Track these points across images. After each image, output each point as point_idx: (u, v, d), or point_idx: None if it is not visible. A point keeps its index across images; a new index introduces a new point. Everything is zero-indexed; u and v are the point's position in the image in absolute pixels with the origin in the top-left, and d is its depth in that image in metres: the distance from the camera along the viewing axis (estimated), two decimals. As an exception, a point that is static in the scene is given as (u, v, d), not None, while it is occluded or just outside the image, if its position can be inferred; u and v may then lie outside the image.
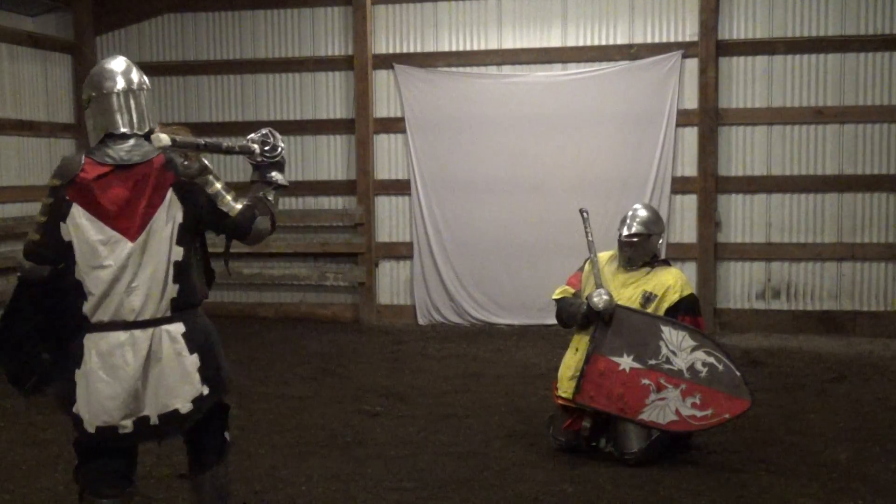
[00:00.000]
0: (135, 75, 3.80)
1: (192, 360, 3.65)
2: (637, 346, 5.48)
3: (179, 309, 3.67)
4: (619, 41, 9.65)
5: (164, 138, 3.55)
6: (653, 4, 9.57)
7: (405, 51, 10.10)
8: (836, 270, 9.40)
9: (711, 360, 5.38)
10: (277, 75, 10.42)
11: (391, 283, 10.35)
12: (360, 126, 10.09)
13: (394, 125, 10.14)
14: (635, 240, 5.73)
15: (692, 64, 9.43)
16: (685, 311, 5.59)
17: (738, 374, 5.37)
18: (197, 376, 3.65)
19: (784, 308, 9.50)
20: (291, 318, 10.36)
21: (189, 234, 3.71)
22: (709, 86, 9.34)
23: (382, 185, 10.23)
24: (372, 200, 10.19)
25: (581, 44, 9.73)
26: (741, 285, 9.61)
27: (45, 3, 10.14)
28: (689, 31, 9.49)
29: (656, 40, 9.57)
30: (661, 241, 6.04)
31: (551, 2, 9.76)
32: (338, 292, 10.45)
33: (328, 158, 10.40)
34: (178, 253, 3.65)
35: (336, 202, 10.41)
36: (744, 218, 9.55)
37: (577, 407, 5.59)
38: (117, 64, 3.81)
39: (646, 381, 5.43)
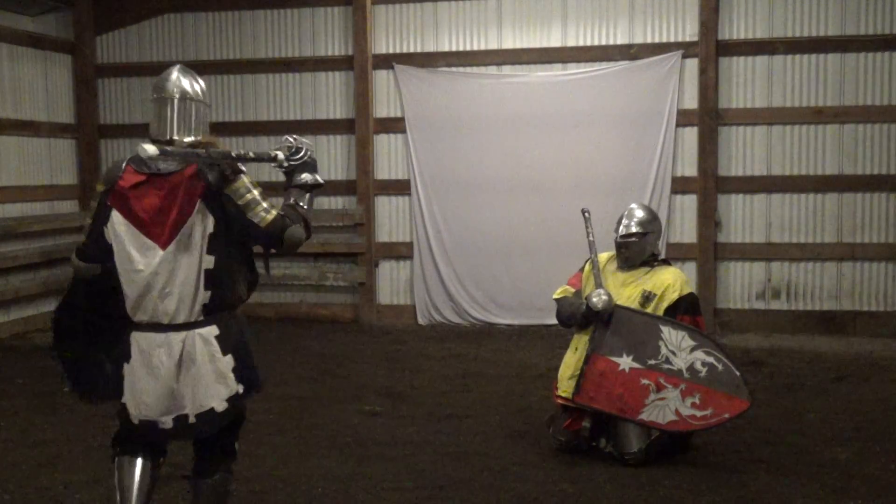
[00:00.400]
0: (186, 85, 3.87)
1: (227, 361, 3.78)
2: (636, 346, 5.48)
3: (212, 312, 3.77)
4: (619, 41, 9.65)
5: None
6: (653, 4, 9.57)
7: (405, 51, 10.10)
8: (836, 270, 9.40)
9: (711, 359, 5.38)
10: (277, 75, 10.42)
11: (391, 283, 10.35)
12: (360, 126, 10.09)
13: (394, 125, 10.14)
14: (631, 239, 5.74)
15: (692, 64, 9.43)
16: (685, 311, 5.59)
17: (737, 373, 5.37)
18: (232, 376, 3.78)
19: (784, 308, 9.50)
20: (291, 318, 10.35)
21: (222, 243, 3.75)
22: (709, 86, 9.34)
23: (382, 185, 10.23)
24: (372, 200, 10.19)
25: (581, 44, 9.73)
26: (741, 285, 9.61)
27: (45, 3, 10.14)
28: (689, 31, 9.49)
29: (656, 40, 9.57)
30: (659, 241, 6.03)
31: (551, 2, 9.76)
32: (338, 292, 10.45)
33: (328, 158, 10.39)
34: (209, 262, 3.73)
35: (336, 202, 10.41)
36: (744, 218, 9.55)
37: (577, 407, 5.59)
38: (174, 72, 3.91)
39: (645, 381, 5.43)
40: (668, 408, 5.39)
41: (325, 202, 10.41)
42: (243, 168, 3.80)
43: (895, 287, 9.31)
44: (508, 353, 8.71)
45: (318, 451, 5.80)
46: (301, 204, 3.86)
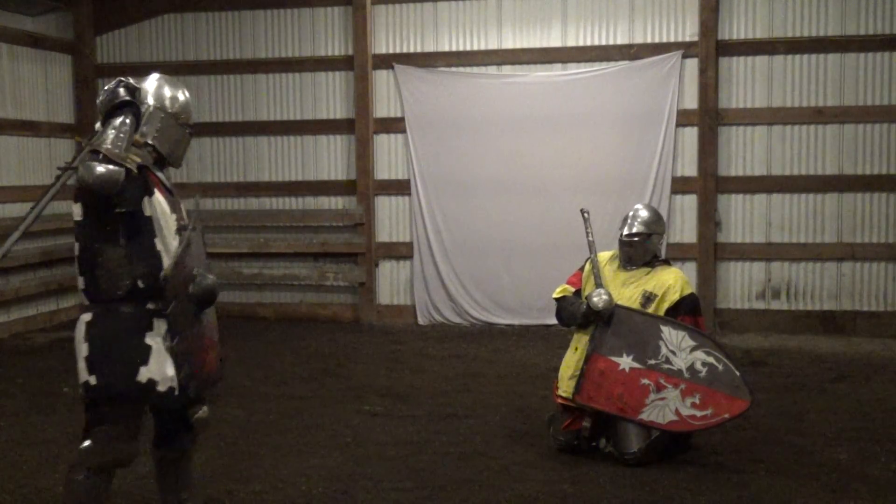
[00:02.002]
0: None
1: (83, 349, 3.82)
2: (637, 346, 5.48)
3: (92, 300, 3.85)
4: (619, 41, 9.65)
5: None
6: (653, 4, 9.57)
7: (405, 51, 10.10)
8: (836, 270, 9.40)
9: (711, 360, 5.38)
10: (277, 75, 10.42)
11: (391, 283, 10.35)
12: (360, 126, 10.09)
13: (394, 125, 10.14)
14: (636, 239, 5.74)
15: (692, 64, 9.43)
16: (685, 311, 5.59)
17: (737, 374, 5.38)
18: (83, 364, 3.82)
19: (784, 308, 9.51)
20: (291, 318, 10.36)
21: (87, 231, 3.81)
22: (709, 86, 9.34)
23: (382, 185, 10.23)
24: (372, 200, 10.19)
25: (581, 44, 9.74)
26: (741, 285, 9.61)
27: (45, 3, 10.14)
28: (689, 31, 9.49)
29: (656, 40, 9.57)
30: (662, 242, 6.03)
31: (551, 2, 9.76)
32: (338, 292, 10.45)
33: (328, 158, 10.40)
34: (77, 248, 3.86)
35: (336, 202, 10.41)
36: (744, 218, 9.55)
37: (577, 407, 5.59)
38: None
39: (645, 381, 5.43)
40: (668, 408, 5.39)
41: (325, 202, 10.42)
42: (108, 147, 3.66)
43: (895, 287, 9.31)
44: (508, 353, 8.71)
45: (318, 451, 5.80)
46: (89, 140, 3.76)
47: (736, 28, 9.44)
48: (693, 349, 5.40)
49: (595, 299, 5.53)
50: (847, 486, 5.12)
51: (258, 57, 10.45)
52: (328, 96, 10.36)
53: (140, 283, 3.79)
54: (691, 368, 5.39)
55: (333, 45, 10.30)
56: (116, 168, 3.57)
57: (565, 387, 5.66)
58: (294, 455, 5.71)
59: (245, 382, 7.53)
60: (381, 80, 10.15)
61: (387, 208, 10.28)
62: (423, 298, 10.14)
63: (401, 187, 10.18)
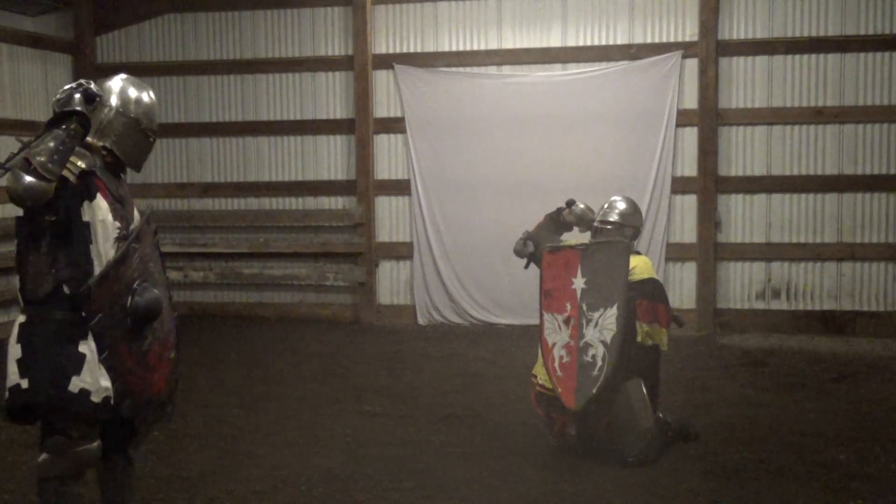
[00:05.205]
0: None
1: (16, 351, 3.69)
2: (594, 284, 5.52)
3: (27, 301, 3.71)
4: (619, 41, 9.65)
5: None
6: (653, 4, 9.57)
7: (405, 51, 10.10)
8: (836, 270, 9.40)
9: (599, 361, 5.37)
10: (277, 75, 10.42)
11: (391, 283, 10.35)
12: (360, 126, 10.09)
13: (394, 125, 10.14)
14: (608, 227, 5.81)
15: (692, 64, 9.43)
16: (642, 294, 5.54)
17: (594, 391, 5.33)
18: (14, 367, 3.68)
19: (784, 308, 9.50)
20: (291, 318, 10.36)
21: (22, 229, 3.69)
22: (709, 86, 9.34)
23: (382, 185, 10.23)
24: (372, 200, 10.19)
25: (581, 44, 9.74)
26: (741, 285, 9.60)
27: (45, 3, 10.14)
28: (689, 31, 9.49)
29: (656, 40, 9.57)
30: (636, 238, 5.96)
31: (551, 2, 9.76)
32: (338, 292, 10.45)
33: (328, 158, 10.40)
34: (13, 246, 3.76)
35: (336, 202, 10.41)
36: (744, 218, 9.55)
37: (558, 413, 5.58)
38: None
39: (570, 305, 5.55)
40: (560, 336, 5.52)
41: (325, 202, 10.42)
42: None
43: (895, 287, 9.31)
44: (508, 353, 8.71)
45: (318, 451, 5.80)
46: (26, 148, 3.61)
47: (736, 28, 9.43)
48: (601, 340, 5.39)
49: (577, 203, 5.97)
50: (847, 486, 5.12)
51: (258, 57, 10.44)
52: (328, 96, 10.35)
53: (65, 289, 3.64)
54: (586, 344, 5.41)
55: (333, 45, 10.30)
56: (44, 183, 3.45)
57: (541, 374, 5.65)
58: (294, 455, 5.71)
59: (245, 382, 7.53)
60: (381, 80, 10.14)
61: (387, 208, 10.28)
62: (423, 298, 10.15)
63: (401, 187, 10.17)
